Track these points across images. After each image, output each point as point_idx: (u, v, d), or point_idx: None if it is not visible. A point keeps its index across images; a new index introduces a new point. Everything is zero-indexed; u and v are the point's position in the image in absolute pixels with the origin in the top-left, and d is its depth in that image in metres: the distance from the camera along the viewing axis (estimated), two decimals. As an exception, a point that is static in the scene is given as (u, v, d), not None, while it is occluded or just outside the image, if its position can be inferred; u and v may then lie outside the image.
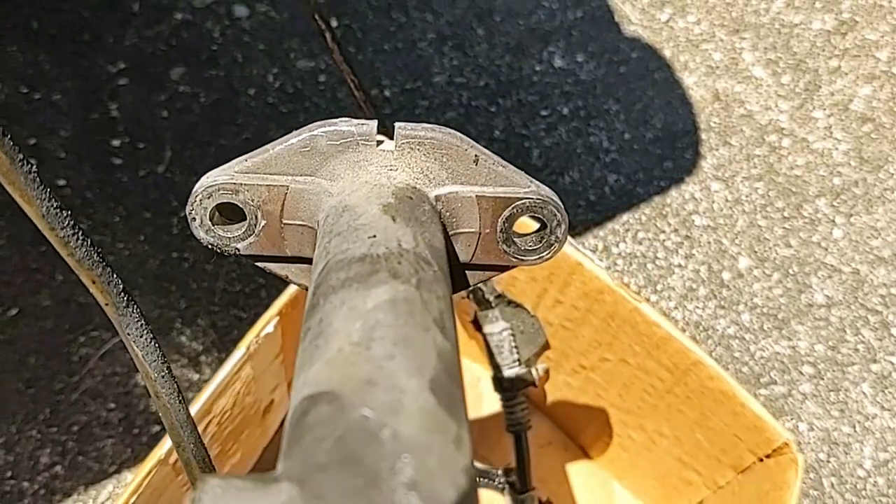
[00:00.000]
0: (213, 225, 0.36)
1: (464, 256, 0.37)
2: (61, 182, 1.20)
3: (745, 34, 1.51)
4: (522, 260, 0.37)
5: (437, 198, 0.36)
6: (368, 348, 0.25)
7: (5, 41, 1.31)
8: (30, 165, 0.29)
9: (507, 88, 1.40)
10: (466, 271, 0.38)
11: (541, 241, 0.37)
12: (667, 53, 1.47)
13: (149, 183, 1.22)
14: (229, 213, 0.37)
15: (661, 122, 1.39)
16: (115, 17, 1.36)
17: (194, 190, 0.35)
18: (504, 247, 0.37)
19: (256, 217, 0.36)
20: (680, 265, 1.26)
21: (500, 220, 0.36)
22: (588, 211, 1.29)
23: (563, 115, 1.38)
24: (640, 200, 1.32)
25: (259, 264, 0.38)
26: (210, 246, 0.37)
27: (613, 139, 1.36)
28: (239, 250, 0.37)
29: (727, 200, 1.33)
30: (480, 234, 0.36)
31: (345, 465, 0.21)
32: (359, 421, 0.22)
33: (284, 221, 0.36)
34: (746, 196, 1.33)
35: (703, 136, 1.39)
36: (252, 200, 0.35)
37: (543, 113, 1.38)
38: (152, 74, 1.32)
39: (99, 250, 0.32)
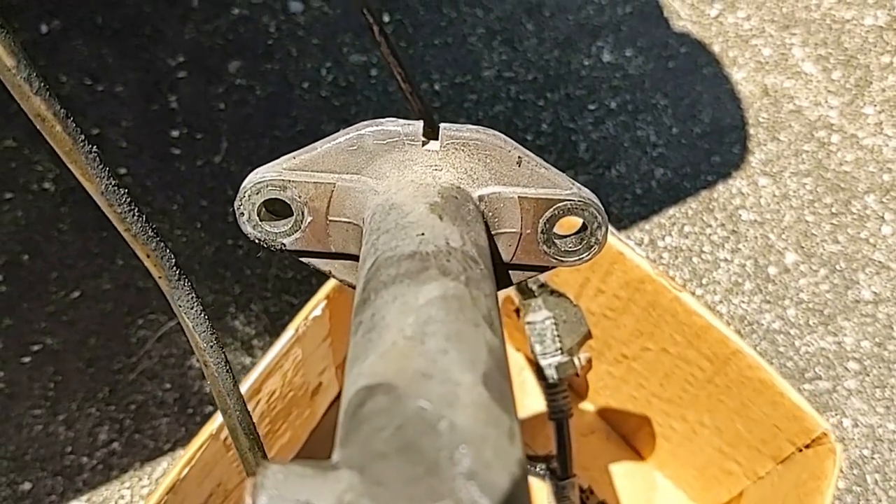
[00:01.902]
0: (261, 220, 0.37)
1: (505, 256, 0.37)
2: (122, 170, 1.24)
3: (796, 30, 1.50)
4: (562, 261, 0.37)
5: (481, 198, 0.36)
6: (422, 342, 0.25)
7: (71, 35, 1.36)
8: (91, 146, 0.30)
9: (555, 83, 1.41)
10: (508, 271, 0.38)
11: (581, 243, 0.37)
12: (716, 49, 1.47)
13: (206, 172, 1.26)
14: (276, 209, 0.37)
15: (709, 116, 1.39)
16: (175, 12, 1.40)
17: (243, 186, 0.36)
18: (544, 247, 0.37)
19: (303, 213, 0.36)
20: (726, 259, 1.26)
21: (541, 220, 0.36)
22: (634, 204, 1.30)
23: (610, 110, 1.39)
24: (687, 194, 1.32)
25: (304, 260, 0.38)
26: (256, 241, 0.37)
27: (661, 133, 1.37)
28: (285, 245, 0.37)
29: (775, 196, 1.32)
30: (521, 234, 0.37)
31: (404, 454, 0.21)
32: (416, 412, 0.22)
33: (330, 218, 0.37)
34: (794, 191, 1.33)
35: (752, 131, 1.39)
36: (299, 197, 0.36)
37: (591, 107, 1.39)
38: (210, 67, 1.36)
39: (154, 226, 0.33)
